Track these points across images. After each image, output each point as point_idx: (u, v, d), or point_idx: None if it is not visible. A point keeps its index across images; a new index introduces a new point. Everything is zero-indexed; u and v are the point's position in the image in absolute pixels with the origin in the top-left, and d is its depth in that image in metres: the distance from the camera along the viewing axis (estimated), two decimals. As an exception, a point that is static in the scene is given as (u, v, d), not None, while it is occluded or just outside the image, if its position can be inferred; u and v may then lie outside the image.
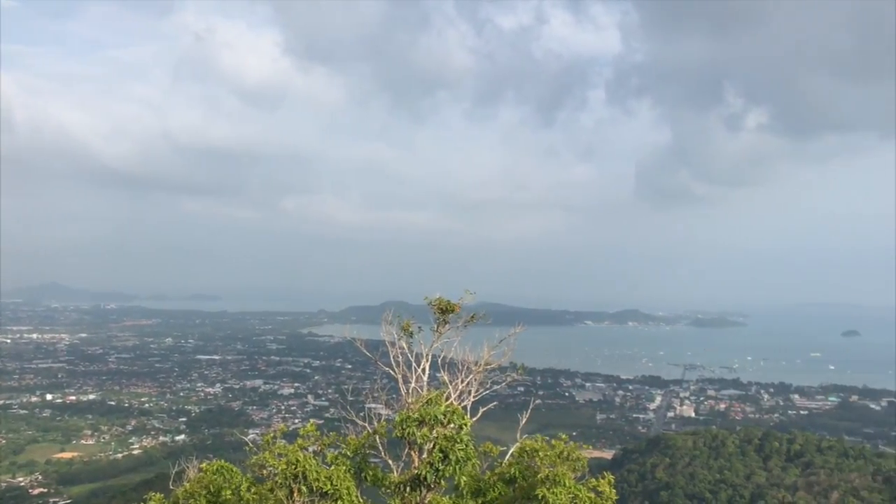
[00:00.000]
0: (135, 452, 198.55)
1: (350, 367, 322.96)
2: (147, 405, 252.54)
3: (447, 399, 22.42)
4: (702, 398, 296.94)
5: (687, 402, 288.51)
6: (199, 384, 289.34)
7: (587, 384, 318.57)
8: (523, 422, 23.64)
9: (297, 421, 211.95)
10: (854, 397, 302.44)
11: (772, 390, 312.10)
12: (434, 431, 19.41)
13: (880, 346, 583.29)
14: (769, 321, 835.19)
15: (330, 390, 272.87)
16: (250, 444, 22.20)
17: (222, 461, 22.87)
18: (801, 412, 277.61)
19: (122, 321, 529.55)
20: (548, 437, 21.59)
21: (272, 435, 21.60)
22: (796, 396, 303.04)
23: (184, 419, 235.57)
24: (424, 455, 20.00)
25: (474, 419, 21.96)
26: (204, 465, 23.02)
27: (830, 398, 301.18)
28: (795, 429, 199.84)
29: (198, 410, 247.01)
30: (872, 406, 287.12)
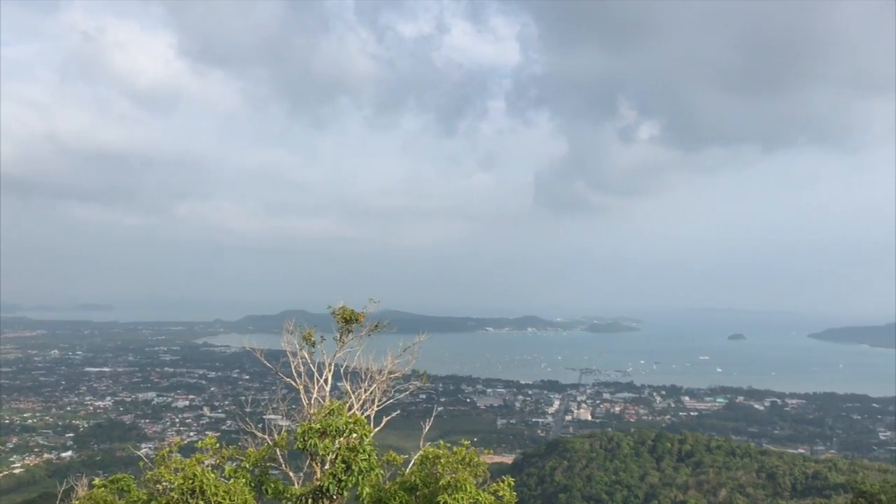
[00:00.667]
0: (16, 472, 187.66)
1: (248, 377, 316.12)
2: (30, 421, 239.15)
3: (350, 409, 22.30)
4: (598, 401, 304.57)
5: (584, 405, 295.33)
6: (87, 398, 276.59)
7: (488, 390, 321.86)
8: (426, 429, 23.73)
9: (192, 434, 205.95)
10: (740, 398, 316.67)
11: (664, 392, 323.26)
12: (336, 442, 19.26)
13: (763, 348, 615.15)
14: (661, 326, 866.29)
15: (227, 402, 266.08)
16: (144, 459, 21.35)
17: (116, 476, 22.02)
18: (692, 413, 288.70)
19: (3, 333, 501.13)
20: (450, 444, 21.74)
21: (167, 449, 20.87)
22: (686, 398, 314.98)
23: (71, 435, 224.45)
24: (327, 466, 19.81)
25: (377, 428, 21.92)
26: (97, 481, 22.09)
27: (718, 399, 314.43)
28: (686, 429, 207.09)
29: (86, 425, 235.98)
30: (756, 406, 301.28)
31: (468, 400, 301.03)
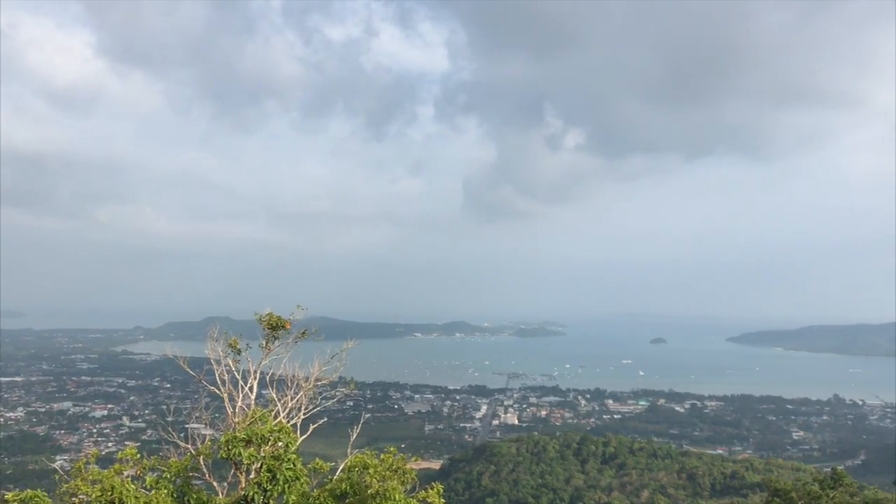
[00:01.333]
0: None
1: (169, 386, 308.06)
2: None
3: (276, 417, 22.00)
4: (525, 406, 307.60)
5: (511, 409, 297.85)
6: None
7: (416, 396, 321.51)
8: (354, 436, 23.60)
9: (111, 445, 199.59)
10: (661, 401, 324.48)
11: (588, 396, 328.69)
12: (262, 451, 18.97)
13: (684, 352, 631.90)
14: (586, 330, 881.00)
15: (147, 411, 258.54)
16: (59, 472, 20.59)
17: (30, 491, 21.15)
18: (615, 416, 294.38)
19: None
20: (378, 451, 21.67)
21: (84, 460, 20.17)
22: (610, 401, 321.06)
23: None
24: (252, 475, 19.50)
25: (304, 436, 21.69)
26: (9, 495, 21.15)
27: (641, 402, 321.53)
28: (610, 432, 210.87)
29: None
30: (677, 408, 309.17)
31: (396, 406, 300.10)
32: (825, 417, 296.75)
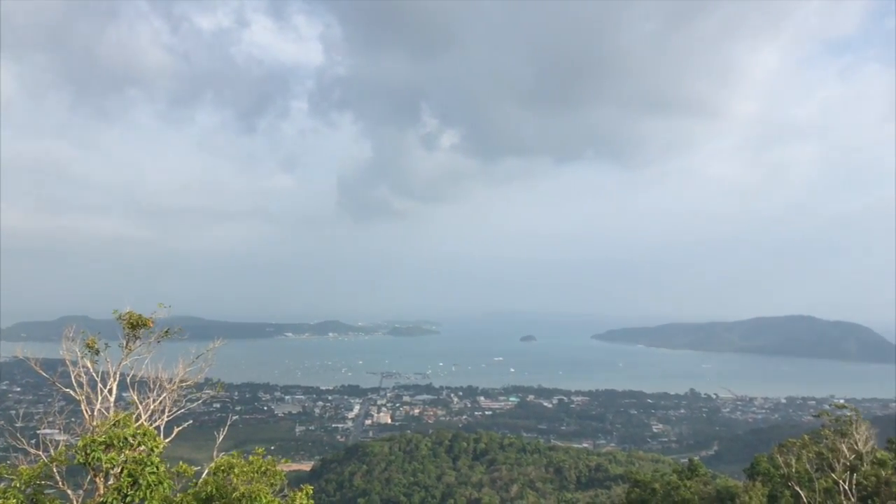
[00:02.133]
0: None
1: (19, 389, 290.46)
2: None
3: (137, 420, 21.05)
4: (398, 404, 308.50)
5: (384, 408, 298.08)
6: None
7: (287, 397, 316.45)
8: (220, 439, 22.87)
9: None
10: (531, 397, 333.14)
11: (461, 393, 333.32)
12: (122, 455, 18.11)
13: (552, 349, 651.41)
14: (460, 329, 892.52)
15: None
16: None
17: None
18: (487, 413, 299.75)
19: None
20: (245, 453, 21.16)
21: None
22: (482, 398, 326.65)
23: None
24: (111, 481, 18.57)
25: (167, 440, 20.84)
26: None
27: (511, 398, 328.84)
28: (481, 429, 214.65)
29: None
30: (546, 404, 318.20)
31: (266, 408, 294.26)
32: (682, 411, 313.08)
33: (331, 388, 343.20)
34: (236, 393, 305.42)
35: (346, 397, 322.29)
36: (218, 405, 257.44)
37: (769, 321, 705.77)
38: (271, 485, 20.07)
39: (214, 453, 21.65)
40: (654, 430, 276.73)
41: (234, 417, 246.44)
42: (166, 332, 23.03)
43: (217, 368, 24.83)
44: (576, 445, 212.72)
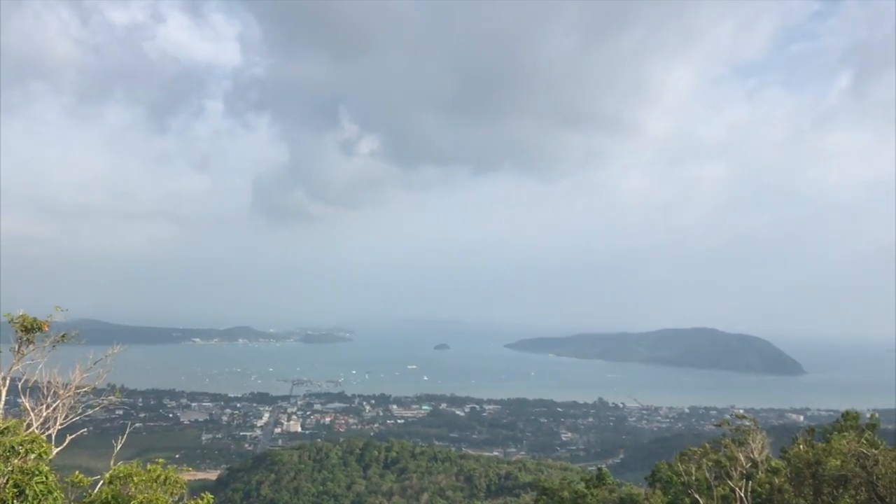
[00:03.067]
0: None
1: None
2: None
3: (28, 428, 20.07)
4: (309, 412, 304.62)
5: (294, 416, 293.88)
6: None
7: (193, 404, 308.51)
8: (118, 447, 22.03)
9: None
10: (443, 405, 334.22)
11: (373, 402, 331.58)
12: (9, 464, 17.20)
13: (466, 357, 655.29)
14: (374, 336, 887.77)
15: None
16: None
17: None
18: (399, 421, 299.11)
19: None
20: (146, 462, 20.46)
21: None
22: (395, 406, 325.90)
23: None
24: (-4, 492, 17.61)
25: (59, 448, 19.93)
26: None
27: (424, 407, 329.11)
28: (393, 437, 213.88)
29: None
30: (458, 412, 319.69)
31: (171, 415, 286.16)
32: (591, 419, 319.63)
33: (239, 395, 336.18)
34: (140, 400, 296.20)
35: (255, 405, 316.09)
36: (121, 412, 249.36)
37: (675, 333, 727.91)
38: (171, 494, 19.46)
39: (112, 462, 20.85)
40: (564, 439, 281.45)
41: (137, 425, 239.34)
42: (62, 336, 22.05)
43: (120, 374, 23.98)
44: (487, 454, 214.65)
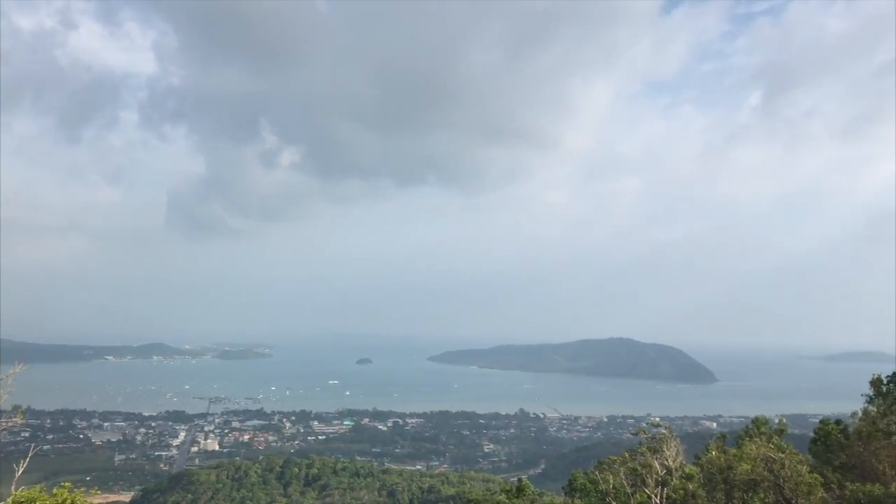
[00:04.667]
0: None
1: None
2: None
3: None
4: (226, 430, 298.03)
5: (212, 435, 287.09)
6: None
7: (106, 424, 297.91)
8: (20, 471, 21.05)
9: None
10: (366, 420, 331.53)
11: (294, 418, 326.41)
12: None
13: (388, 371, 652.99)
14: (294, 352, 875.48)
15: None
16: None
17: None
18: (320, 437, 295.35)
19: None
20: (53, 486, 19.60)
21: None
22: (316, 422, 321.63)
23: None
24: None
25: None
26: None
27: (346, 422, 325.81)
28: (314, 454, 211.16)
29: None
30: (381, 427, 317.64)
31: (82, 436, 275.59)
32: (512, 430, 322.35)
33: (154, 413, 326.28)
34: (48, 421, 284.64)
35: (170, 423, 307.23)
36: (26, 434, 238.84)
37: (593, 343, 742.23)
38: (77, 520, 18.68)
39: (13, 487, 19.90)
40: (486, 450, 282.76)
41: (45, 447, 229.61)
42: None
43: (26, 394, 22.96)
44: (409, 468, 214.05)
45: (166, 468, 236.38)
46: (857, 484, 35.39)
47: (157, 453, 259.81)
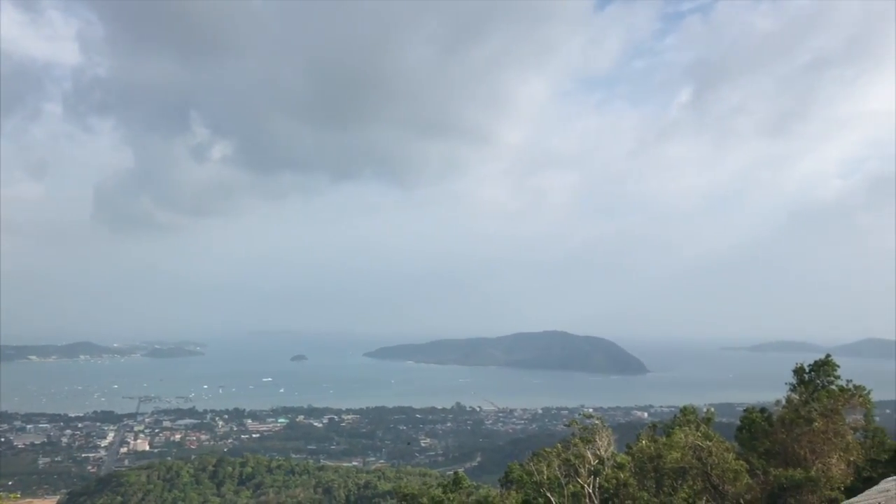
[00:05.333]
0: None
1: None
2: None
3: None
4: (157, 430, 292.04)
5: (142, 435, 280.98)
6: None
7: (29, 426, 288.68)
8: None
9: None
10: (301, 417, 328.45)
11: (226, 417, 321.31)
12: None
13: (323, 368, 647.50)
14: (227, 349, 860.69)
15: None
16: None
17: None
18: (254, 435, 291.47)
19: None
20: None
21: None
22: (249, 421, 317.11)
23: None
24: None
25: None
26: None
27: (280, 420, 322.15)
28: (248, 452, 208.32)
29: None
30: (316, 424, 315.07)
31: (3, 439, 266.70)
32: (449, 424, 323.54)
33: (81, 414, 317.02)
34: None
35: (98, 424, 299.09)
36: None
37: (528, 336, 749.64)
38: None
39: (-76, 495, 18.92)
40: (423, 445, 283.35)
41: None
42: None
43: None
44: (346, 464, 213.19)
45: (94, 470, 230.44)
46: (780, 469, 36.52)
47: (84, 455, 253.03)
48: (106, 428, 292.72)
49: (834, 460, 37.60)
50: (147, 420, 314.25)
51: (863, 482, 34.18)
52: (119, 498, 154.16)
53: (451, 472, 76.30)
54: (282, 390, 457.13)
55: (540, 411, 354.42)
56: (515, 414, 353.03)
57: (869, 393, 46.40)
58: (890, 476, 24.26)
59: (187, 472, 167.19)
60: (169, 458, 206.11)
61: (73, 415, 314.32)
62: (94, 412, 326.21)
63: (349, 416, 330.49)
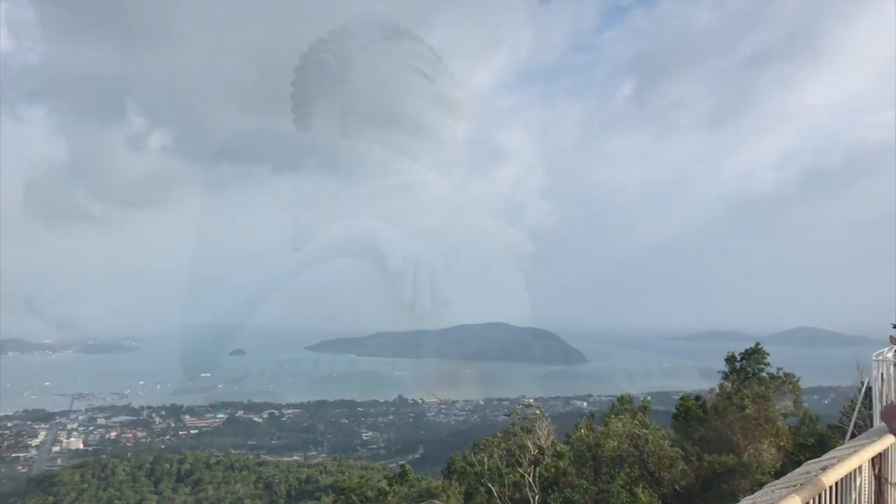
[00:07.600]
0: None
1: None
2: None
3: None
4: (92, 428, 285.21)
5: (75, 433, 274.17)
6: None
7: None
8: None
9: None
10: (240, 412, 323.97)
11: (164, 413, 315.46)
12: None
13: (264, 362, 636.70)
14: (163, 344, 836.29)
15: None
16: None
17: None
18: (192, 431, 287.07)
19: None
20: None
21: None
22: (188, 416, 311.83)
23: None
24: None
25: None
26: None
27: (219, 415, 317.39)
28: (187, 448, 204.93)
29: None
30: (256, 419, 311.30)
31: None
32: (391, 417, 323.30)
33: (10, 413, 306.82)
34: None
35: (29, 423, 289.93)
36: None
37: (470, 328, 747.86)
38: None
39: None
40: (364, 438, 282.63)
41: None
42: None
43: None
44: (287, 459, 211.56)
45: (24, 470, 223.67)
46: (713, 455, 37.61)
47: (14, 455, 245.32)
48: (37, 427, 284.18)
49: (765, 445, 38.92)
50: (81, 418, 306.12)
51: (793, 466, 35.44)
52: (51, 498, 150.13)
53: (394, 465, 76.59)
54: (220, 385, 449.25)
55: (482, 402, 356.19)
56: (457, 406, 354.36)
57: (798, 380, 48.08)
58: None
59: (123, 469, 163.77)
60: (104, 457, 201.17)
61: (1, 414, 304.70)
62: (25, 411, 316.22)
63: (290, 411, 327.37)
